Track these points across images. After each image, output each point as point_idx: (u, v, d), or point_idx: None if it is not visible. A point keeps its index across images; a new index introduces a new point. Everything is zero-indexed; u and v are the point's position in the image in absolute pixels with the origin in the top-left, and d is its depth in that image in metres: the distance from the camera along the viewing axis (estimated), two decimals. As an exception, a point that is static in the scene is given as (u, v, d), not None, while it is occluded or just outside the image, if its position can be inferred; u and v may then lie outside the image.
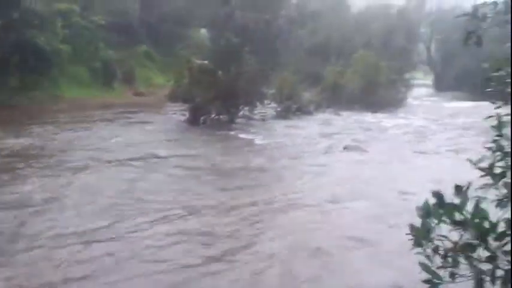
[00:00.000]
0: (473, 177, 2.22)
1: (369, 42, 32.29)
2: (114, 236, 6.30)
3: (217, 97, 17.21)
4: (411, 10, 45.76)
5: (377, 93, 24.58)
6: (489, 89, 2.51)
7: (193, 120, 17.17)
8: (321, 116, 20.80)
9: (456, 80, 34.43)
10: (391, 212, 7.43)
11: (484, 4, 2.57)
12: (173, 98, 18.46)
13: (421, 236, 2.09)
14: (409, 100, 28.85)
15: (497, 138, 2.22)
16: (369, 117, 20.94)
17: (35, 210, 7.22)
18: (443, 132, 17.21)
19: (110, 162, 10.73)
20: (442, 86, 41.26)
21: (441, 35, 40.13)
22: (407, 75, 32.28)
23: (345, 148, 13.55)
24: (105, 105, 20.66)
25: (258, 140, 14.79)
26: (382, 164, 11.71)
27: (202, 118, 17.34)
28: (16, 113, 16.99)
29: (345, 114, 21.44)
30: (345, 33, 33.52)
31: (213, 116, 17.75)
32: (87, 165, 10.33)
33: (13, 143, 12.48)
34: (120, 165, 10.58)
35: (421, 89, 38.18)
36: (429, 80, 47.63)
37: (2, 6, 17.96)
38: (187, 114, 17.60)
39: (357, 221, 7.25)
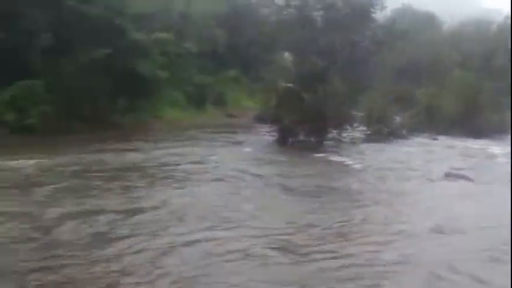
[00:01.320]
0: None
1: (464, 62, 30.57)
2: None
3: (305, 119, 17.25)
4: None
5: (479, 117, 22.70)
6: None
7: (282, 141, 17.52)
8: (415, 141, 19.79)
9: None
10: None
11: None
12: (261, 119, 19.35)
13: None
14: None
15: None
16: (470, 143, 19.47)
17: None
18: None
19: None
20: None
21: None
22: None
23: (446, 175, 12.60)
24: (200, 125, 21.66)
25: (352, 164, 14.26)
26: (488, 194, 10.55)
27: (290, 139, 17.60)
28: (135, 129, 19.45)
29: (442, 139, 20.20)
30: (436, 53, 32.12)
31: (301, 137, 17.83)
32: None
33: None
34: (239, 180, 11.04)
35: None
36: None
37: (110, 37, 19.48)
38: (276, 135, 17.92)
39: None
